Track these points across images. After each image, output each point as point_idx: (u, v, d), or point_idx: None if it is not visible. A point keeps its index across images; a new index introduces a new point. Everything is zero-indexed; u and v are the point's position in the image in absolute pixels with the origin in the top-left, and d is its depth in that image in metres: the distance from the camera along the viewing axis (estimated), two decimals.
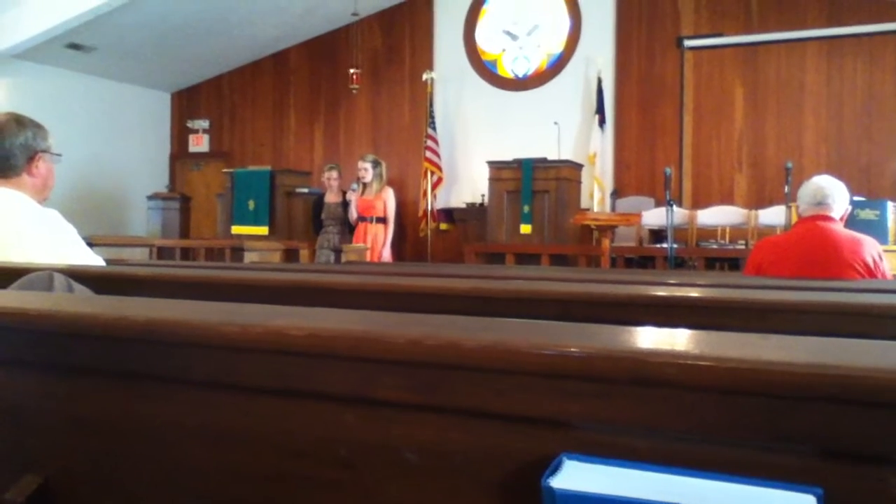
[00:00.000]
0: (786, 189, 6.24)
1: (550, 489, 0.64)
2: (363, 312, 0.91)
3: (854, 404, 0.60)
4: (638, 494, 0.62)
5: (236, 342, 0.82)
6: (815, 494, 0.60)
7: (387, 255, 7.18)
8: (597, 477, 0.65)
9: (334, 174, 7.76)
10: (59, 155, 2.51)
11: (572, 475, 0.66)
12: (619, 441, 0.69)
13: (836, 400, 0.61)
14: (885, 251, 3.26)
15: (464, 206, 9.25)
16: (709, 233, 7.80)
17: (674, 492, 0.62)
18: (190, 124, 11.24)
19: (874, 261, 3.05)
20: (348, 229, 7.46)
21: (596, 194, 8.54)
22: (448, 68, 9.63)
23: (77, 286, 1.52)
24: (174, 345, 0.87)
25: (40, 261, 2.18)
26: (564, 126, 8.61)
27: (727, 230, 7.74)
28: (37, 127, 2.46)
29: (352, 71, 9.62)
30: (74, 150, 8.16)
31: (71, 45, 8.95)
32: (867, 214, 5.35)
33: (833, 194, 3.20)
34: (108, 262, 2.64)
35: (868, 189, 7.43)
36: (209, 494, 0.87)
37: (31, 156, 2.40)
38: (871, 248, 3.08)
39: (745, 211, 7.65)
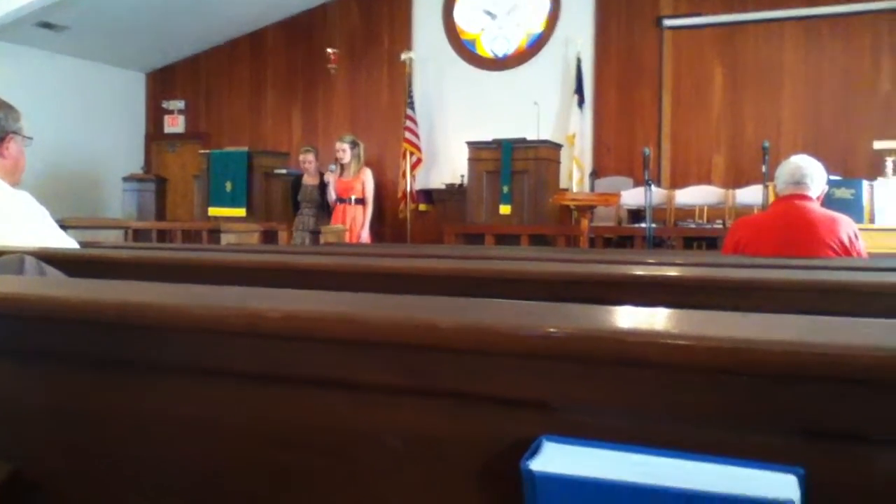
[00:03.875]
0: (763, 168, 6.27)
1: (530, 472, 0.63)
2: (341, 294, 0.90)
3: (836, 383, 0.60)
4: (618, 476, 0.61)
5: (211, 325, 0.80)
6: (796, 474, 0.60)
7: (365, 236, 7.15)
8: (577, 459, 0.65)
9: (310, 157, 7.69)
10: (30, 138, 2.47)
11: (552, 457, 0.65)
12: (600, 422, 0.68)
13: (818, 379, 0.60)
14: (861, 230, 3.29)
15: (443, 186, 9.22)
16: (687, 212, 7.84)
17: (655, 473, 0.62)
18: (165, 105, 11.08)
19: (850, 240, 3.07)
20: (325, 211, 7.42)
21: (575, 174, 8.54)
22: (427, 48, 9.56)
23: (49, 269, 1.49)
24: (148, 329, 0.85)
25: (11, 244, 2.14)
26: (544, 106, 8.58)
27: (705, 210, 7.78)
28: (8, 108, 2.41)
29: (329, 51, 9.53)
30: (47, 131, 8.03)
31: (42, 24, 8.77)
32: (843, 193, 5.40)
33: (811, 174, 3.22)
34: (82, 244, 2.60)
35: (844, 168, 7.48)
36: (188, 483, 0.86)
37: (2, 137, 2.35)
38: (847, 226, 3.10)
39: (722, 190, 7.69)
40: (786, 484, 0.59)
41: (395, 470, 0.76)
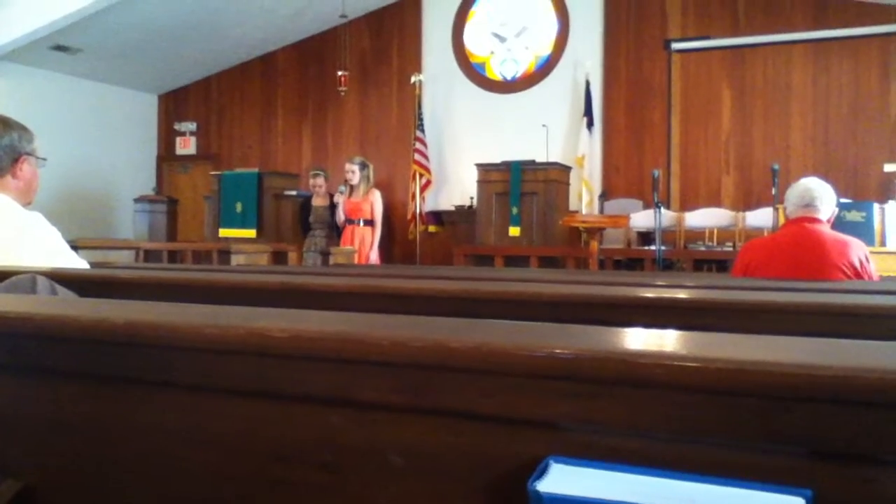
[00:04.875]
0: (773, 191, 6.26)
1: (537, 493, 0.63)
2: (347, 314, 0.90)
3: (843, 404, 0.60)
4: (626, 498, 0.61)
5: (218, 344, 0.81)
6: (804, 496, 0.59)
7: (374, 257, 7.16)
8: (584, 480, 0.64)
9: (319, 181, 7.73)
10: (43, 159, 2.49)
11: (560, 478, 0.65)
12: (607, 443, 0.68)
13: (826, 400, 0.60)
14: (872, 253, 3.27)
15: (452, 208, 9.24)
16: (697, 234, 7.81)
17: (662, 494, 0.61)
18: (177, 126, 11.18)
19: (861, 262, 3.06)
20: (336, 232, 7.44)
21: (584, 196, 8.54)
22: (436, 70, 9.62)
23: (61, 289, 1.50)
24: (156, 347, 0.85)
25: (23, 264, 2.15)
26: (553, 128, 8.61)
27: (715, 232, 7.76)
28: (22, 129, 2.43)
29: (340, 73, 9.60)
30: (60, 152, 8.10)
31: (57, 47, 8.89)
32: (854, 216, 5.38)
33: (821, 196, 3.21)
34: (94, 265, 2.62)
35: (854, 191, 7.47)
36: (192, 499, 0.86)
37: (16, 158, 2.37)
38: (858, 249, 3.09)
39: (732, 213, 7.67)
40: None
41: (398, 488, 0.76)
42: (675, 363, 0.65)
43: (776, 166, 6.34)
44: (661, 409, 0.66)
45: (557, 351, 0.69)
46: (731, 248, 7.14)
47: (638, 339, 0.76)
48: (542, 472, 0.66)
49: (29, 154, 2.41)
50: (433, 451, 0.75)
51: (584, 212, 8.35)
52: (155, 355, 0.86)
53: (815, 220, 3.18)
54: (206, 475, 0.85)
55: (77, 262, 2.41)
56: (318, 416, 0.79)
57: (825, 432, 0.61)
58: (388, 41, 9.97)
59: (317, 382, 0.78)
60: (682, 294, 1.69)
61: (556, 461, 0.67)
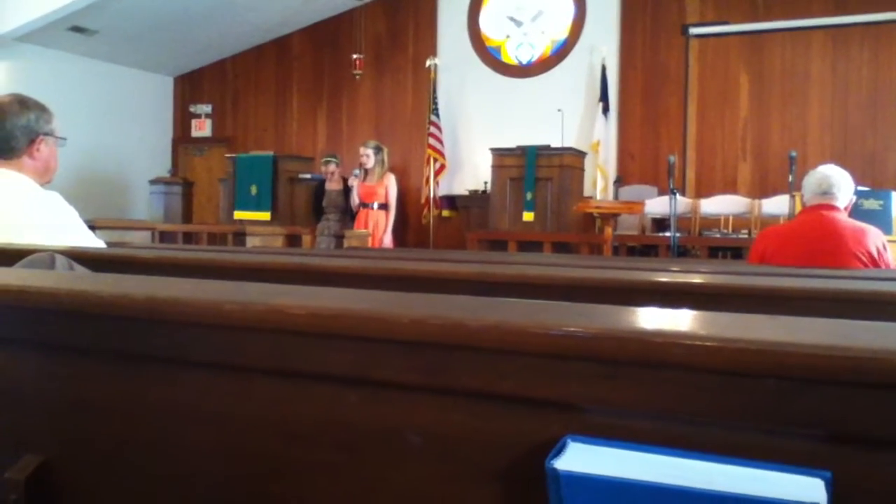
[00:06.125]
0: (790, 178, 6.21)
1: (555, 471, 0.63)
2: (366, 292, 0.90)
3: (863, 387, 0.60)
4: (643, 477, 0.61)
5: (237, 321, 0.81)
6: (822, 478, 0.59)
7: (388, 241, 7.18)
8: (601, 459, 0.65)
9: (331, 167, 7.73)
10: (63, 139, 2.50)
11: (577, 457, 0.65)
12: (625, 423, 0.68)
13: (845, 382, 0.60)
14: (889, 241, 3.25)
15: (466, 193, 9.23)
16: (712, 222, 7.78)
17: (679, 475, 0.61)
18: (193, 109, 11.20)
19: (878, 251, 3.03)
20: (349, 216, 7.46)
21: (599, 182, 8.51)
22: (451, 55, 9.58)
23: (78, 268, 1.51)
24: (175, 323, 0.86)
25: (41, 243, 2.17)
26: (568, 113, 8.56)
27: (730, 219, 7.72)
28: (41, 109, 2.44)
29: (355, 56, 9.58)
30: (76, 133, 8.10)
31: (74, 28, 8.91)
32: (871, 204, 5.33)
33: (838, 184, 3.19)
34: (110, 245, 2.63)
35: (872, 179, 7.39)
36: (209, 476, 0.87)
37: (33, 138, 2.38)
38: (875, 237, 3.06)
39: (748, 200, 7.63)
40: (813, 487, 0.58)
41: (415, 467, 0.77)
42: (694, 343, 0.64)
43: (794, 153, 6.29)
44: (678, 389, 0.66)
45: (576, 330, 0.69)
46: (746, 236, 7.11)
47: (655, 320, 0.76)
48: (560, 451, 0.66)
49: (47, 134, 2.42)
50: (450, 430, 0.75)
51: (598, 198, 8.32)
52: (175, 332, 0.86)
53: (833, 208, 3.16)
54: (223, 453, 0.86)
55: (94, 242, 2.42)
56: (335, 395, 0.80)
57: (845, 415, 0.61)
58: (403, 24, 9.93)
59: (335, 361, 0.78)
60: (696, 279, 1.69)
61: (574, 440, 0.67)
